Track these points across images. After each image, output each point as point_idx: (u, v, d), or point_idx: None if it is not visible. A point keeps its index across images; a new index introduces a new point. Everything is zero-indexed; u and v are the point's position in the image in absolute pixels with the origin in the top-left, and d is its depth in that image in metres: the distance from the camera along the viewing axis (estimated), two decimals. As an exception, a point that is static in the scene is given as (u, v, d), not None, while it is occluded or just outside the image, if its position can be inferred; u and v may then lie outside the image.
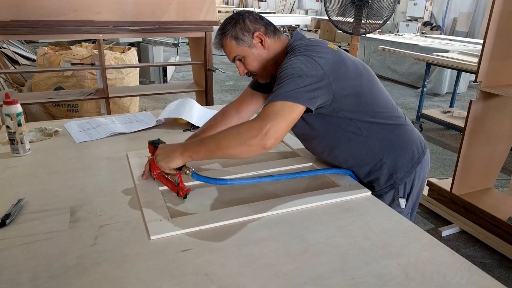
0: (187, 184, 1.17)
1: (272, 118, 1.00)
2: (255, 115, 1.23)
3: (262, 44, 1.19)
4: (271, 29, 1.22)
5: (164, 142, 1.20)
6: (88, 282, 0.82)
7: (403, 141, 1.28)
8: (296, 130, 1.30)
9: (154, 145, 1.20)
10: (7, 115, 1.35)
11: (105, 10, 2.57)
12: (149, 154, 1.25)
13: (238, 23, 1.19)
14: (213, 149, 1.04)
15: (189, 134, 1.67)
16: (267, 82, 1.32)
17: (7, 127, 1.37)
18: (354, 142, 1.23)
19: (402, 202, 1.33)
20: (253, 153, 1.02)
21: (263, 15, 1.28)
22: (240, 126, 1.05)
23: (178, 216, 1.05)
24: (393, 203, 1.32)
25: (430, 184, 2.76)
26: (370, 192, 1.20)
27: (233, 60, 1.23)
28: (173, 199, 1.15)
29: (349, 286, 0.83)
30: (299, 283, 0.83)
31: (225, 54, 1.24)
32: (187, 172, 1.11)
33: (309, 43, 1.17)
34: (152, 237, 0.96)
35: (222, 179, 1.11)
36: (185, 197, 1.12)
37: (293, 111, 1.03)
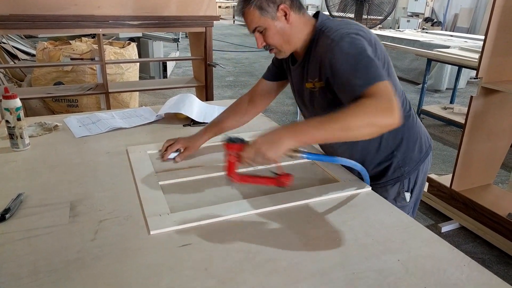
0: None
1: (390, 95, 0.96)
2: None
3: (286, 18, 1.13)
4: (297, 4, 1.15)
5: (245, 140, 1.02)
6: (88, 276, 0.82)
7: (413, 134, 1.30)
8: (319, 113, 1.23)
9: (237, 141, 1.01)
10: (7, 109, 1.35)
11: (105, 5, 2.55)
12: (152, 150, 1.23)
13: None
14: (338, 133, 0.95)
15: (189, 129, 1.67)
16: (281, 73, 1.35)
17: (7, 121, 1.36)
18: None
19: (407, 196, 1.34)
20: (381, 133, 0.99)
21: None
22: (366, 105, 0.95)
23: (178, 211, 1.05)
24: (398, 197, 1.33)
25: (430, 180, 2.76)
26: (370, 188, 1.20)
27: (253, 31, 1.16)
28: (173, 194, 1.15)
29: (350, 281, 0.83)
30: (300, 278, 0.83)
31: (245, 24, 1.18)
32: (298, 154, 1.01)
33: (349, 22, 1.16)
34: (152, 232, 0.96)
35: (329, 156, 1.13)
36: (288, 186, 1.03)
37: (391, 87, 0.99)
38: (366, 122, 0.94)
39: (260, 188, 1.19)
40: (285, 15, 1.12)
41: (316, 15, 1.20)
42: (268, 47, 1.18)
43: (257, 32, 1.15)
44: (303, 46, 1.19)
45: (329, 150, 1.36)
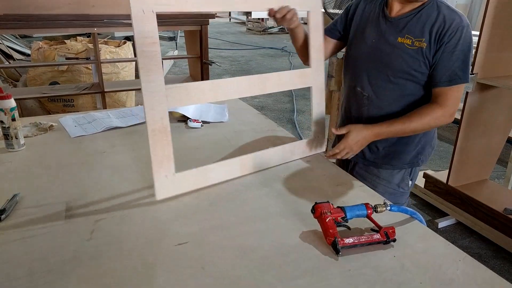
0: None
1: (458, 103, 1.23)
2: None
3: None
4: None
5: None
6: (84, 276, 0.82)
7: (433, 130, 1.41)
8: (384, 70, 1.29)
9: (324, 202, 0.98)
10: (1, 109, 1.34)
11: (100, 4, 2.54)
12: None
13: None
14: (406, 134, 1.27)
15: (183, 127, 1.66)
16: (342, 35, 1.43)
17: (1, 122, 1.36)
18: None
19: (410, 183, 1.42)
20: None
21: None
22: (436, 116, 1.22)
23: (181, 171, 1.12)
24: (402, 183, 1.39)
25: (426, 176, 2.77)
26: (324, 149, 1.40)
27: None
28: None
29: (345, 278, 0.83)
30: (295, 275, 0.83)
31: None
32: (385, 208, 0.99)
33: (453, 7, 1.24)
34: (158, 197, 1.07)
35: (416, 213, 1.05)
36: (395, 240, 0.94)
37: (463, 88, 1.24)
38: (430, 128, 1.27)
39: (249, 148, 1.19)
40: None
41: None
42: None
43: None
44: (414, 4, 1.23)
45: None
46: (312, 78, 1.37)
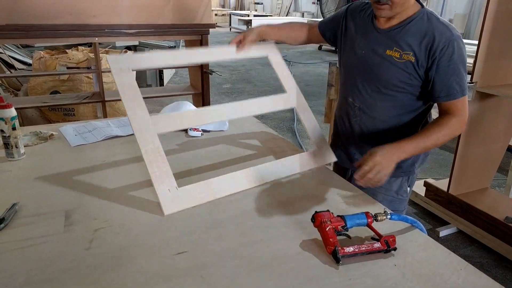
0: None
1: (466, 113, 1.25)
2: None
3: None
4: None
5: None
6: (82, 286, 0.81)
7: None
8: (373, 83, 1.31)
9: (325, 211, 0.97)
10: (2, 119, 1.35)
11: (101, 14, 2.56)
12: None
13: None
14: (429, 148, 1.22)
15: (182, 134, 1.66)
16: (331, 35, 1.47)
17: (1, 131, 1.36)
18: (408, 124, 1.33)
19: (408, 189, 1.41)
20: None
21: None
22: (451, 126, 1.21)
23: (184, 185, 1.13)
24: (400, 190, 1.39)
25: (427, 184, 2.76)
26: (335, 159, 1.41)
27: None
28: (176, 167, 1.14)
29: (346, 287, 0.82)
30: (296, 284, 0.82)
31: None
32: (385, 217, 0.99)
33: (444, 20, 1.24)
34: (166, 212, 1.06)
35: (416, 221, 1.05)
36: (395, 249, 0.93)
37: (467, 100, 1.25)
38: (450, 137, 1.22)
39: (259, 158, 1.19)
40: None
41: None
42: (384, 1, 1.18)
43: None
44: (402, 16, 1.23)
45: (374, 144, 1.38)
46: (291, 100, 1.46)
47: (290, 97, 1.46)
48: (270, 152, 1.50)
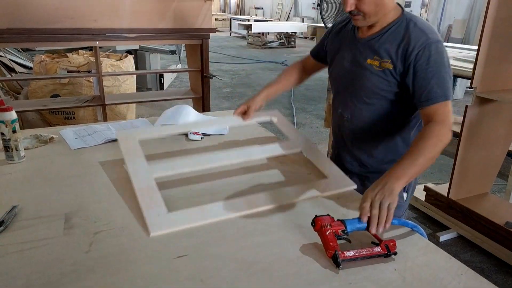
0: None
1: (450, 118, 1.17)
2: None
3: None
4: None
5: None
6: (82, 289, 0.81)
7: None
8: (358, 94, 1.31)
9: (325, 215, 0.97)
10: (2, 122, 1.35)
11: (102, 18, 2.58)
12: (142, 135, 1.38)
13: None
14: (426, 163, 1.09)
15: (183, 140, 1.67)
16: (324, 57, 1.47)
17: (2, 134, 1.36)
18: (399, 132, 1.31)
19: (405, 195, 1.39)
20: None
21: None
22: (436, 133, 1.11)
23: (175, 210, 1.07)
24: None
25: (427, 189, 2.76)
26: (356, 186, 1.25)
27: None
28: (167, 188, 1.14)
29: (346, 291, 0.82)
30: (296, 289, 0.82)
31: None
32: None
33: (429, 25, 1.22)
34: (152, 234, 0.98)
35: (416, 226, 1.03)
36: (396, 253, 0.93)
37: (451, 105, 1.18)
38: (440, 148, 1.11)
39: (257, 185, 1.19)
40: None
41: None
42: (354, 13, 1.19)
43: None
44: (382, 23, 1.22)
45: (367, 153, 1.39)
46: (298, 144, 1.49)
47: (297, 142, 1.50)
48: (271, 160, 1.50)
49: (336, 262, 0.88)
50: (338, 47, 1.38)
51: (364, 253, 0.90)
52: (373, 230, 0.95)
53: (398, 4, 1.26)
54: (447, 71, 1.16)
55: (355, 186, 1.24)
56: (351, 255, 0.89)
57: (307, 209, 1.13)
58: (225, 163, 1.32)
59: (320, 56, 1.51)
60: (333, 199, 1.20)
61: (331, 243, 0.90)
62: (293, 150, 1.42)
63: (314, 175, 1.33)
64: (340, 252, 0.88)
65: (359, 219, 0.97)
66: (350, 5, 1.17)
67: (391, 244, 0.92)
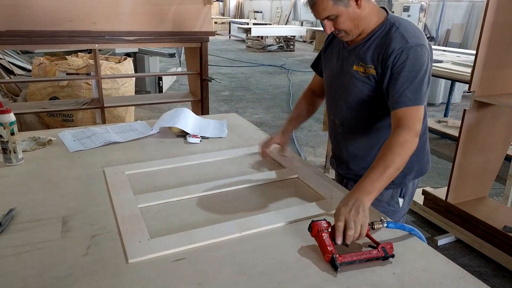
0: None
1: (420, 124, 1.14)
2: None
3: (357, 4, 1.18)
4: None
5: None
6: (79, 292, 0.80)
7: (425, 147, 1.37)
8: (350, 101, 1.31)
9: (321, 220, 0.97)
10: (0, 124, 1.34)
11: (101, 21, 2.58)
12: (129, 170, 1.33)
13: None
14: (394, 174, 1.08)
15: (181, 142, 1.66)
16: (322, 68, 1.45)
17: (0, 136, 1.35)
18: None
19: (400, 201, 1.38)
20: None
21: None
22: (401, 141, 1.09)
23: (158, 236, 0.99)
24: (391, 201, 1.37)
25: (425, 193, 2.76)
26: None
27: (323, 19, 1.20)
28: (153, 217, 1.13)
29: (344, 295, 0.82)
30: (294, 293, 0.82)
31: (312, 12, 1.22)
32: (381, 226, 1.00)
33: (419, 29, 1.22)
34: (130, 260, 0.90)
35: (414, 229, 1.04)
36: (393, 256, 0.93)
37: (423, 114, 1.16)
38: (407, 155, 1.10)
39: (244, 207, 1.18)
40: (357, 1, 1.17)
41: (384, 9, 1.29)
42: (336, 32, 1.23)
43: (328, 19, 1.19)
44: (367, 30, 1.24)
45: (359, 161, 1.38)
46: (294, 171, 1.40)
47: (292, 171, 1.40)
48: (267, 167, 1.50)
49: (334, 265, 0.87)
50: (330, 55, 1.40)
51: (361, 256, 0.90)
52: (348, 242, 0.95)
53: (383, 8, 1.28)
54: (423, 76, 1.14)
55: None
56: (348, 258, 0.89)
57: (306, 213, 1.13)
58: (217, 191, 1.25)
59: (320, 69, 1.51)
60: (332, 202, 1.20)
61: (328, 247, 0.90)
62: (289, 176, 1.37)
63: (312, 197, 1.26)
64: (337, 256, 0.88)
65: None
66: (329, 28, 1.21)
67: (388, 247, 0.92)
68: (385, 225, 1.00)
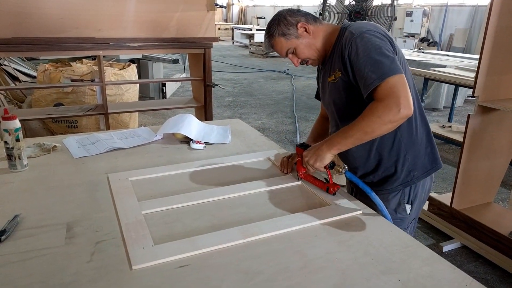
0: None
1: (398, 91, 1.10)
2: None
3: (307, 32, 1.29)
4: (311, 17, 1.32)
5: (310, 146, 1.29)
6: (83, 299, 0.80)
7: (426, 140, 1.35)
8: (338, 107, 1.34)
9: (303, 147, 1.31)
10: (6, 130, 1.35)
11: (106, 27, 2.60)
12: (133, 176, 1.35)
13: (281, 21, 1.29)
14: (361, 136, 1.16)
15: (184, 147, 1.67)
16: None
17: (5, 142, 1.36)
18: (382, 141, 1.30)
19: (408, 207, 1.36)
20: (397, 126, 1.14)
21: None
22: (375, 109, 1.11)
23: (163, 243, 0.98)
24: (399, 207, 1.35)
25: (430, 198, 2.74)
26: (361, 211, 1.18)
27: (286, 55, 1.32)
28: (157, 223, 1.13)
29: (349, 302, 0.81)
30: (298, 300, 0.81)
31: (276, 53, 1.34)
32: (341, 170, 1.23)
33: (372, 23, 1.27)
34: (134, 267, 0.90)
35: (368, 187, 1.20)
36: (334, 194, 1.24)
37: (404, 80, 1.12)
38: (381, 123, 1.11)
39: (248, 214, 1.18)
40: (305, 30, 1.28)
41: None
42: (304, 62, 1.34)
43: (289, 54, 1.32)
44: (329, 47, 1.31)
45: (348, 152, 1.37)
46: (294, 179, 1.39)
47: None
48: (274, 169, 1.50)
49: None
50: (320, 81, 1.46)
51: (314, 180, 1.30)
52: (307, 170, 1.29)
53: (338, 23, 1.30)
54: (379, 52, 1.14)
55: (360, 212, 1.17)
56: (306, 172, 1.31)
57: (311, 218, 1.12)
58: (221, 197, 1.25)
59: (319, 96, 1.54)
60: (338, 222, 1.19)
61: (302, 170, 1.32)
62: (294, 182, 1.36)
63: (316, 203, 1.25)
64: (302, 173, 1.32)
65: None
66: (296, 60, 1.33)
67: (334, 187, 1.24)
68: (342, 170, 1.24)
